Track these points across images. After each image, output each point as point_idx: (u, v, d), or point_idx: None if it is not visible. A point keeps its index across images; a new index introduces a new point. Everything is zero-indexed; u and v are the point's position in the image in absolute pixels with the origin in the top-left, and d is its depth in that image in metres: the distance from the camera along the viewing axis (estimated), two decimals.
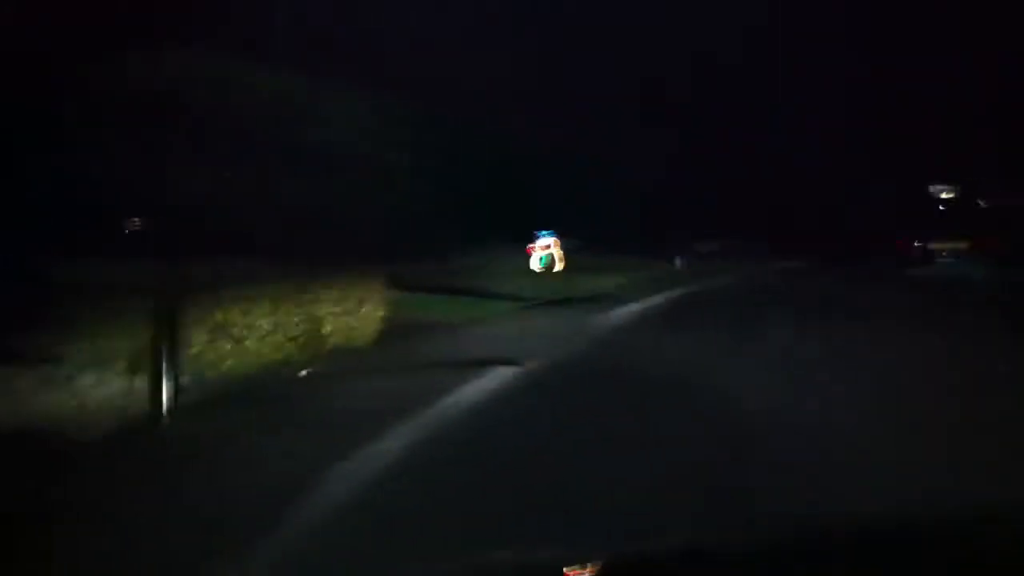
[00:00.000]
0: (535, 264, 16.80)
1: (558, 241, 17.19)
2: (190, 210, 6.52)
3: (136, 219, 6.48)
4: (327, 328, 8.65)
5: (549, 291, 15.34)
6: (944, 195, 24.55)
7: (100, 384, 5.89)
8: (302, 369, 7.75)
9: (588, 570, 1.57)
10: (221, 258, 7.51)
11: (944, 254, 20.81)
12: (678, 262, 20.97)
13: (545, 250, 16.88)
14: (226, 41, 7.71)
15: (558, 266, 16.95)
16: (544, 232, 16.98)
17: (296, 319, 8.18)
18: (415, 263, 13.24)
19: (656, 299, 14.59)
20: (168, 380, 6.01)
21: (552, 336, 10.14)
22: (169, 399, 5.99)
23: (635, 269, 19.14)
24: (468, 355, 8.52)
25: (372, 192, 9.69)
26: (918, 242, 21.87)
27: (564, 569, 1.55)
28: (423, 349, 9.04)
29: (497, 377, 7.51)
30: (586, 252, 18.79)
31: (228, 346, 7.06)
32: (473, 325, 10.97)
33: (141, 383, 6.04)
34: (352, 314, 9.08)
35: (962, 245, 20.51)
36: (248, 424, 5.74)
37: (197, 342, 6.78)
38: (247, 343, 7.34)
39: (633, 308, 13.33)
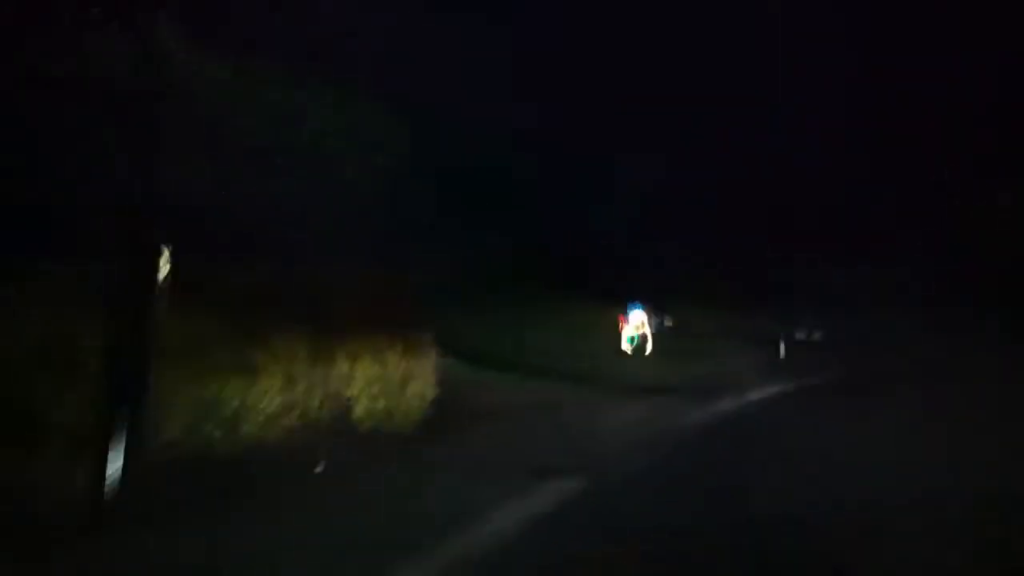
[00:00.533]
0: (625, 344, 14.98)
1: (646, 314, 15.36)
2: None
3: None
4: (359, 410, 6.93)
5: (634, 374, 13.34)
6: None
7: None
8: (317, 461, 5.98)
9: None
10: (225, 309, 5.90)
11: None
12: (782, 347, 18.38)
13: (637, 328, 15.03)
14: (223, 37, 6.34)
15: (648, 346, 15.11)
16: (636, 305, 15.19)
17: (319, 396, 6.50)
18: (470, 324, 11.55)
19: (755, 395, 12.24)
20: (111, 477, 4.38)
21: (632, 435, 8.13)
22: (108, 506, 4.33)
23: (727, 350, 16.90)
24: (525, 456, 6.63)
25: (418, 236, 8.06)
26: None
27: None
28: (473, 443, 7.18)
29: (551, 496, 5.55)
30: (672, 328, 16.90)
31: (217, 433, 5.38)
32: (539, 412, 9.06)
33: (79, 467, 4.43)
34: (394, 394, 7.35)
35: None
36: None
37: (175, 423, 5.15)
38: (245, 427, 5.66)
39: (733, 402, 11.08)
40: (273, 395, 5.87)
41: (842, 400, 11.58)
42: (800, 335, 20.41)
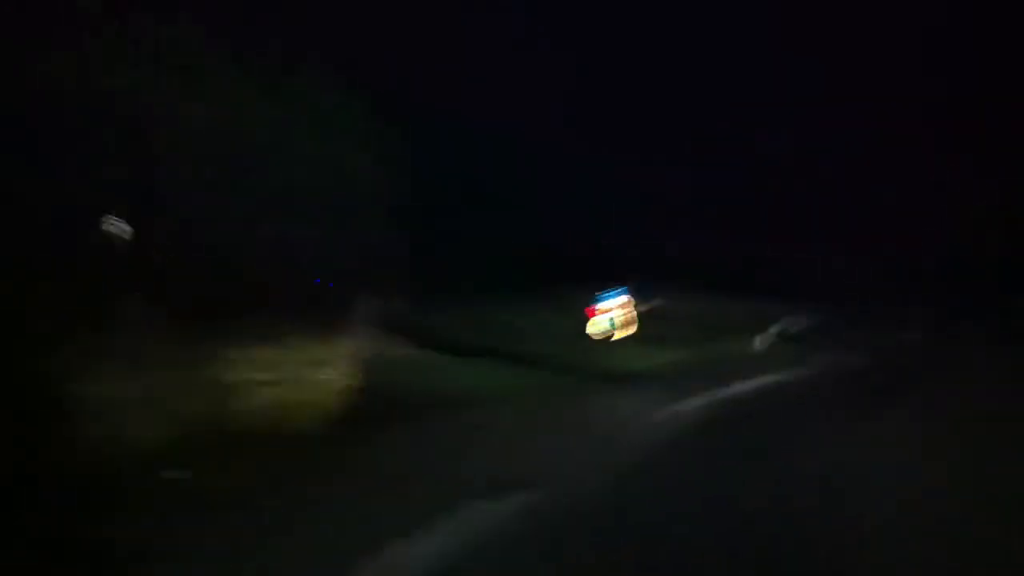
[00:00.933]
0: (599, 327, 13.57)
1: (631, 300, 13.80)
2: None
3: None
4: (249, 403, 5.54)
5: (601, 362, 11.92)
6: None
7: None
8: (174, 467, 4.59)
9: None
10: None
11: None
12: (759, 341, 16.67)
13: (612, 310, 13.58)
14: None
15: (627, 331, 13.62)
16: (612, 292, 13.61)
17: (188, 385, 5.12)
18: (436, 309, 10.34)
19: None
20: None
21: (588, 433, 6.74)
22: None
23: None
24: (445, 467, 5.26)
25: (361, 223, 6.90)
26: None
27: None
28: (391, 445, 5.79)
29: (477, 522, 4.18)
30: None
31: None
32: (488, 405, 7.69)
33: None
34: (301, 383, 5.97)
35: None
36: None
37: None
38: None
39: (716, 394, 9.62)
40: (111, 383, 4.49)
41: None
42: (788, 324, 18.92)
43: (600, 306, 13.59)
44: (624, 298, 13.79)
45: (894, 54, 23.65)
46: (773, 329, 17.53)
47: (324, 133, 7.59)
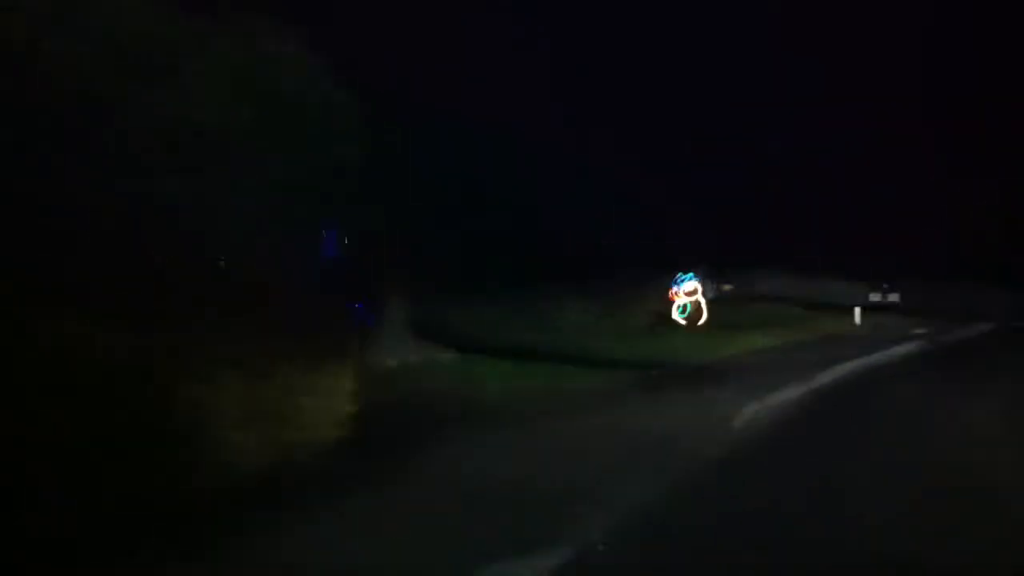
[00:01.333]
0: (675, 314, 12.99)
1: (699, 287, 13.18)
2: None
3: None
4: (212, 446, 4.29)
5: (678, 353, 10.55)
6: None
7: None
8: None
9: None
10: None
11: None
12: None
13: (689, 296, 13.06)
14: None
15: (703, 317, 12.95)
16: (687, 275, 13.21)
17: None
18: (473, 305, 9.40)
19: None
20: None
21: (663, 450, 5.34)
22: None
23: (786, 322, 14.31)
24: (491, 504, 3.92)
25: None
26: None
27: None
28: (390, 495, 4.45)
29: None
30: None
31: None
32: (526, 419, 6.37)
33: None
34: (280, 420, 4.71)
35: None
36: None
37: None
38: None
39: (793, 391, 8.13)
40: None
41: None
42: (875, 298, 18.44)
43: (680, 288, 13.10)
44: (694, 283, 13.13)
45: (894, 54, 22.98)
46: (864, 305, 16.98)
47: (325, 133, 6.84)
